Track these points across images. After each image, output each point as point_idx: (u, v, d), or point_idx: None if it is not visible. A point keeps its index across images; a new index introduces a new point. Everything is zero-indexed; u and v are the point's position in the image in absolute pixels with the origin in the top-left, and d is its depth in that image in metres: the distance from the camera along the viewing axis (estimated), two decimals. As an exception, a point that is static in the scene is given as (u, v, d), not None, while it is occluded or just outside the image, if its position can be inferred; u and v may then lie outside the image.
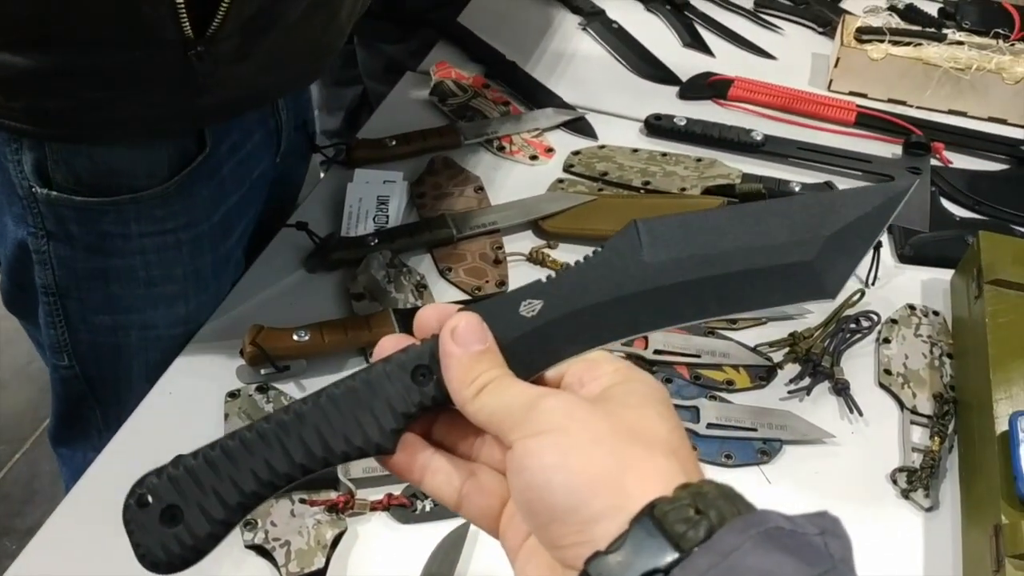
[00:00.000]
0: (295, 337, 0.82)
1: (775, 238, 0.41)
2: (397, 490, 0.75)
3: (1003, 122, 1.26)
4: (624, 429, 0.37)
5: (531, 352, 0.42)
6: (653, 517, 0.34)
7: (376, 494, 0.74)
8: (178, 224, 0.82)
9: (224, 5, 0.67)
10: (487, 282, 0.93)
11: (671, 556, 0.33)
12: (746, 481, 0.78)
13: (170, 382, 0.83)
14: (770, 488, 0.78)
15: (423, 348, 0.43)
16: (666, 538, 0.33)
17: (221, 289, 0.90)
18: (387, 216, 0.99)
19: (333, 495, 0.73)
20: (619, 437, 0.37)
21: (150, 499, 0.41)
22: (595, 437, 0.37)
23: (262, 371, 0.82)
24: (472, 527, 0.73)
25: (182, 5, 0.65)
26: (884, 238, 1.02)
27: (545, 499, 0.36)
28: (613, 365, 0.41)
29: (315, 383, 0.83)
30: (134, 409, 0.81)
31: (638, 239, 0.42)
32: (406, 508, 0.74)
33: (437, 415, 0.44)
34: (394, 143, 1.07)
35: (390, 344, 0.44)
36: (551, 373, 0.42)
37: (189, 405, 0.81)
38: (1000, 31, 1.29)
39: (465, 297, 0.92)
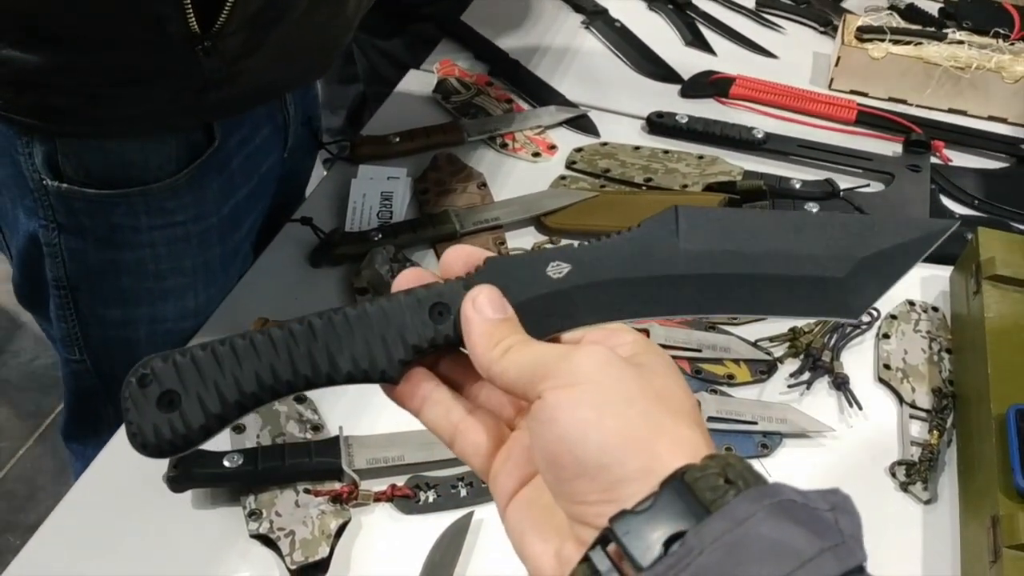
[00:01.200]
0: (300, 330, 0.82)
1: (811, 249, 0.41)
2: (401, 481, 0.75)
3: (1003, 121, 1.27)
4: (655, 393, 0.38)
5: (549, 312, 0.42)
6: (683, 482, 0.34)
7: (380, 485, 0.75)
8: (188, 217, 0.83)
9: (229, 1, 0.68)
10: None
11: (695, 522, 0.33)
12: (746, 474, 0.79)
13: (176, 374, 0.84)
14: (771, 480, 0.79)
15: (445, 287, 0.43)
16: (697, 503, 0.34)
17: (229, 282, 0.91)
18: (391, 212, 0.99)
19: (337, 486, 0.74)
20: (650, 400, 0.37)
21: (151, 381, 0.41)
22: (630, 396, 0.37)
23: (267, 364, 0.83)
24: (475, 518, 0.74)
25: (187, 1, 0.66)
26: (884, 235, 1.03)
27: (576, 454, 0.36)
28: (632, 335, 0.42)
29: (319, 376, 0.84)
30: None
31: (675, 224, 0.43)
32: (409, 499, 0.74)
33: (444, 354, 0.44)
34: (398, 140, 1.08)
35: (411, 276, 0.44)
36: (568, 336, 0.42)
37: (195, 397, 0.82)
38: (1000, 31, 1.30)
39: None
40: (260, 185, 0.91)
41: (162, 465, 0.72)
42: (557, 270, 0.43)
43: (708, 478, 0.34)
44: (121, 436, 0.79)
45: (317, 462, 0.74)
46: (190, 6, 0.66)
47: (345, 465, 0.74)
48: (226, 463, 0.73)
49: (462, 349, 0.43)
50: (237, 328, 0.82)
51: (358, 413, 0.81)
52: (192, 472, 0.72)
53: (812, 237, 0.42)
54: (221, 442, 0.76)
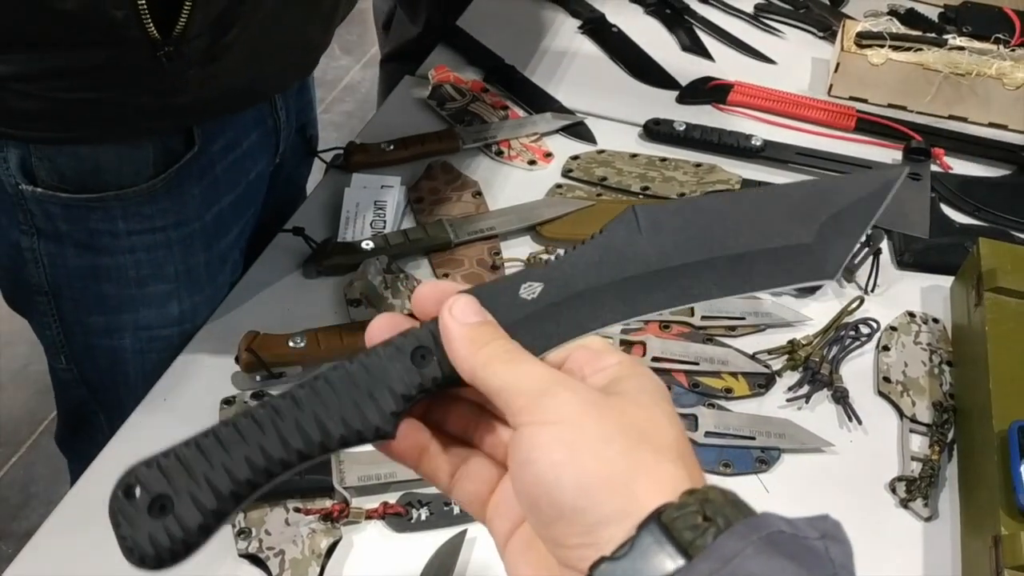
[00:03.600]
0: (290, 344, 0.81)
1: (774, 221, 0.42)
2: (393, 499, 0.74)
3: (1004, 128, 1.26)
4: (636, 429, 0.37)
5: (532, 335, 0.41)
6: (660, 523, 0.33)
7: (371, 502, 0.74)
8: (167, 222, 0.82)
9: (187, 5, 0.67)
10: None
11: (678, 563, 0.32)
12: (744, 490, 0.77)
13: (165, 389, 0.83)
14: (768, 497, 0.78)
15: (422, 330, 0.42)
16: (674, 545, 0.33)
17: (217, 290, 0.90)
18: (384, 221, 0.98)
19: (328, 503, 0.72)
20: (630, 438, 0.36)
21: (138, 489, 0.39)
22: (606, 435, 0.36)
23: (257, 378, 0.82)
24: (468, 536, 0.72)
25: (144, 7, 0.65)
26: (884, 244, 1.02)
27: (553, 496, 0.35)
28: (617, 357, 0.41)
29: (311, 390, 0.82)
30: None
31: (636, 223, 0.42)
32: (401, 517, 0.73)
33: (434, 401, 0.43)
34: (392, 148, 1.07)
35: (383, 324, 0.43)
36: (552, 357, 0.41)
37: (184, 412, 0.80)
38: (1001, 36, 1.29)
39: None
40: (248, 192, 0.90)
41: (150, 481, 0.71)
42: (530, 291, 0.42)
43: (686, 516, 0.33)
44: (110, 450, 0.78)
45: (308, 479, 0.73)
46: (147, 12, 0.65)
47: (336, 482, 0.73)
48: (215, 480, 0.71)
49: (451, 391, 0.42)
50: (229, 340, 0.83)
51: (350, 428, 0.80)
52: (180, 490, 0.71)
53: (773, 210, 0.42)
54: (210, 458, 0.75)
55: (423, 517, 0.73)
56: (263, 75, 0.82)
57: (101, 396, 0.96)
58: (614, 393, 0.39)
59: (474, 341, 0.40)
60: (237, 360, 0.81)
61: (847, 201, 0.42)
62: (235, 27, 0.72)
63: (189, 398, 0.81)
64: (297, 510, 0.72)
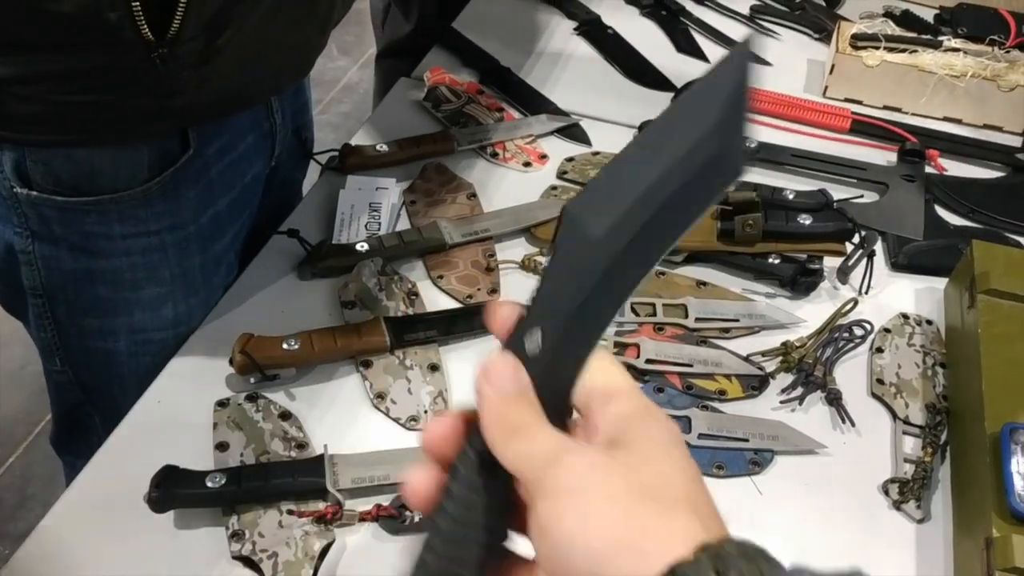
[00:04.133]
0: (285, 346, 0.81)
1: (678, 150, 0.41)
2: (386, 501, 0.74)
3: (999, 129, 1.26)
4: (642, 486, 0.36)
5: (551, 388, 0.40)
6: None
7: (365, 505, 0.74)
8: (162, 225, 0.82)
9: (181, 8, 0.67)
10: (479, 290, 0.93)
11: None
12: (737, 492, 0.78)
13: (159, 391, 0.83)
14: (761, 499, 0.78)
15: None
16: None
17: (212, 293, 0.90)
18: (379, 223, 0.98)
19: (321, 506, 0.72)
20: (637, 496, 0.36)
21: None
22: (612, 496, 0.36)
23: (251, 380, 0.82)
24: (461, 538, 0.72)
25: (138, 9, 0.65)
26: (878, 246, 1.02)
27: (567, 565, 0.35)
28: (627, 403, 0.40)
29: (305, 392, 0.83)
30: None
31: (575, 224, 0.42)
32: (395, 519, 0.73)
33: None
34: (387, 149, 1.07)
35: (442, 429, 0.41)
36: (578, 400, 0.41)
37: (178, 414, 0.81)
38: (996, 38, 1.29)
39: (456, 305, 0.92)
40: (244, 194, 0.90)
41: (145, 484, 0.71)
42: (533, 343, 0.41)
43: (699, 574, 0.33)
44: (104, 453, 0.78)
45: (301, 482, 0.73)
46: (141, 14, 0.65)
47: (329, 485, 0.73)
48: (208, 483, 0.71)
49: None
50: (223, 343, 0.83)
51: (343, 430, 0.80)
52: (174, 492, 0.71)
53: (671, 139, 0.41)
54: (204, 461, 0.75)
55: (416, 519, 0.73)
56: (258, 77, 0.82)
57: (96, 398, 0.96)
58: (622, 445, 0.38)
59: (503, 418, 0.39)
60: (231, 362, 0.81)
61: (722, 99, 0.40)
62: (229, 29, 0.72)
63: (183, 400, 0.81)
64: (290, 512, 0.72)
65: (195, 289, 0.88)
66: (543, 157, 1.11)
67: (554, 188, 1.06)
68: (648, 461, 0.37)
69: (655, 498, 0.36)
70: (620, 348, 0.88)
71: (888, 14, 1.40)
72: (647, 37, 1.36)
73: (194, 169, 0.82)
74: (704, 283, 0.96)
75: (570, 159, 1.11)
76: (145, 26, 0.66)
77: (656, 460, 0.38)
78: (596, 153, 1.12)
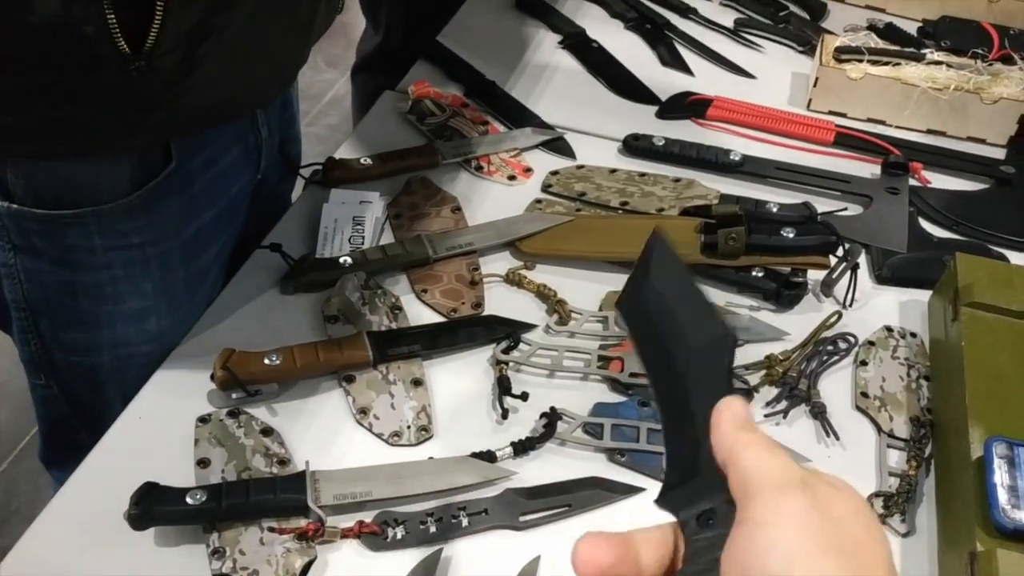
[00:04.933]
0: (266, 361, 0.81)
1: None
2: (368, 517, 0.74)
3: (982, 142, 1.27)
4: (853, 546, 0.36)
5: None
6: None
7: (347, 521, 0.73)
8: (144, 239, 0.82)
9: (157, 21, 0.66)
10: (463, 304, 0.93)
11: None
12: (722, 506, 0.77)
13: (141, 406, 0.82)
14: None
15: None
16: None
17: (196, 307, 0.90)
18: (363, 237, 0.98)
19: (303, 522, 0.72)
20: (848, 555, 0.35)
21: None
22: (824, 548, 0.35)
23: (233, 395, 0.81)
24: (444, 555, 0.72)
25: (114, 22, 0.65)
26: (862, 259, 1.02)
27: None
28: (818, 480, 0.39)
29: (287, 407, 0.82)
30: (111, 432, 0.80)
31: None
32: (377, 535, 0.73)
33: None
34: (371, 163, 1.06)
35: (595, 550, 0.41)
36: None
37: (159, 430, 0.80)
38: (978, 51, 1.30)
39: (440, 319, 0.91)
40: (229, 208, 0.90)
41: (126, 501, 0.70)
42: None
43: None
44: (84, 470, 0.78)
45: (282, 498, 0.72)
46: (116, 27, 0.65)
47: (311, 501, 0.72)
48: (189, 500, 0.71)
49: None
50: (205, 358, 0.82)
51: (326, 446, 0.79)
52: (154, 510, 0.70)
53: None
54: (185, 478, 0.75)
55: (399, 536, 0.73)
56: (239, 89, 0.81)
57: (81, 412, 0.95)
58: (830, 514, 0.37)
59: (743, 426, 0.40)
60: (213, 378, 0.80)
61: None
62: (208, 41, 0.72)
63: (164, 416, 0.81)
64: (271, 529, 0.71)
65: (179, 303, 0.87)
66: (528, 170, 1.11)
67: (539, 201, 1.06)
68: (854, 526, 0.37)
69: (862, 562, 0.36)
70: (604, 362, 0.87)
71: (872, 27, 1.41)
72: (632, 51, 1.36)
73: (177, 182, 0.81)
74: (688, 296, 0.96)
75: (555, 172, 1.11)
76: (122, 40, 0.66)
77: (860, 527, 0.37)
78: (581, 166, 1.12)
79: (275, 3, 0.78)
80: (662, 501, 0.43)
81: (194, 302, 0.90)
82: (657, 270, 0.47)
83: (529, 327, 0.91)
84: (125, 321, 0.85)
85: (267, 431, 0.79)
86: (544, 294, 0.94)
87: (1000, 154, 1.25)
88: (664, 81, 1.30)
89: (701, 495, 0.41)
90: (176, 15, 0.67)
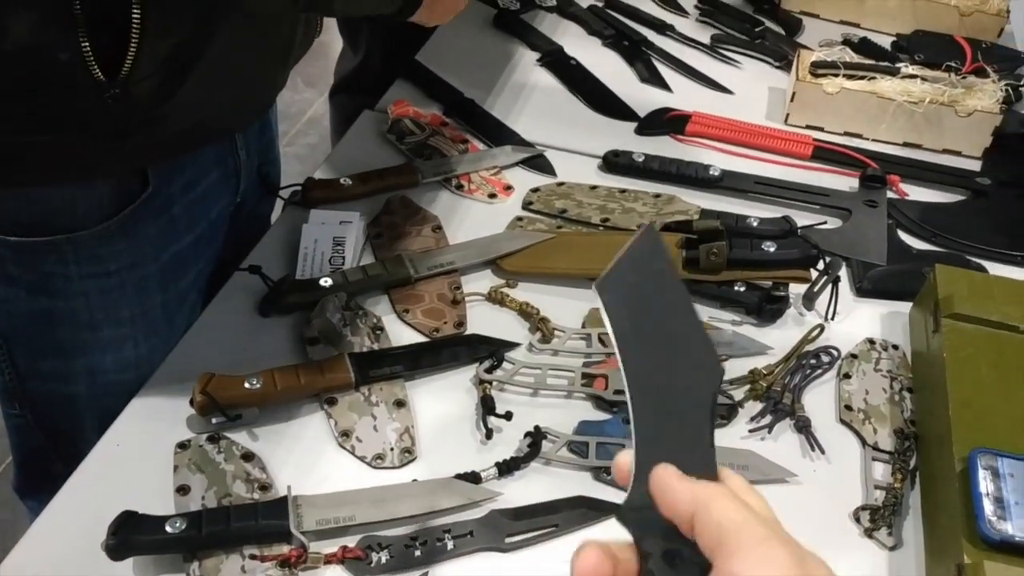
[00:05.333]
0: (246, 385, 0.80)
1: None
2: (352, 542, 0.73)
3: (957, 154, 1.28)
4: None
5: None
6: None
7: (330, 547, 0.72)
8: (121, 265, 0.81)
9: (133, 48, 0.66)
10: (445, 323, 0.92)
11: None
12: (708, 523, 0.77)
13: (119, 433, 0.81)
14: None
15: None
16: None
17: (174, 332, 0.89)
18: (343, 257, 0.97)
19: (285, 549, 0.71)
20: None
21: None
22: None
23: (213, 420, 0.80)
24: (429, 578, 0.71)
25: (88, 50, 0.64)
26: (843, 272, 1.02)
27: None
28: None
29: (268, 431, 0.81)
30: (89, 461, 0.79)
31: None
32: (361, 561, 0.72)
33: None
34: (350, 183, 1.06)
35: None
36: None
37: (138, 457, 0.79)
38: (952, 64, 1.31)
39: (422, 339, 0.91)
40: (208, 232, 0.89)
41: (104, 530, 0.69)
42: None
43: None
44: (61, 499, 0.76)
45: (264, 524, 0.71)
46: (91, 55, 0.65)
47: (293, 527, 0.71)
48: (168, 528, 0.69)
49: None
50: (184, 383, 0.81)
51: (308, 470, 0.78)
52: (132, 539, 0.69)
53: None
54: (165, 505, 0.74)
55: (383, 560, 0.72)
56: (217, 114, 0.81)
57: (58, 442, 0.94)
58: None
59: (695, 483, 0.40)
60: (192, 402, 0.79)
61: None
62: (185, 68, 0.71)
63: (143, 443, 0.79)
64: (253, 557, 0.70)
65: (157, 329, 0.86)
66: (508, 188, 1.11)
67: (520, 219, 1.06)
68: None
69: None
70: (588, 379, 0.87)
71: (847, 42, 1.43)
72: (610, 68, 1.37)
73: (155, 207, 0.80)
74: (671, 312, 0.96)
75: (535, 190, 1.10)
76: (96, 67, 0.65)
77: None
78: (561, 184, 1.12)
79: (253, 29, 0.78)
80: (625, 519, 0.42)
81: (172, 327, 0.89)
82: (644, 264, 0.47)
83: (512, 345, 0.90)
84: (102, 348, 0.84)
85: (248, 456, 0.78)
86: (527, 312, 0.94)
87: (976, 166, 1.26)
88: (643, 97, 1.30)
89: (668, 531, 0.41)
90: (152, 43, 0.67)
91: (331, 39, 1.84)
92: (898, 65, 1.31)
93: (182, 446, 0.78)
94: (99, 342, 0.84)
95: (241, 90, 0.82)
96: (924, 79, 1.28)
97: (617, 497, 0.78)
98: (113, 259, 0.80)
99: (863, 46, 1.42)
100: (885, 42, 1.46)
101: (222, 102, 0.80)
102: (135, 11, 0.65)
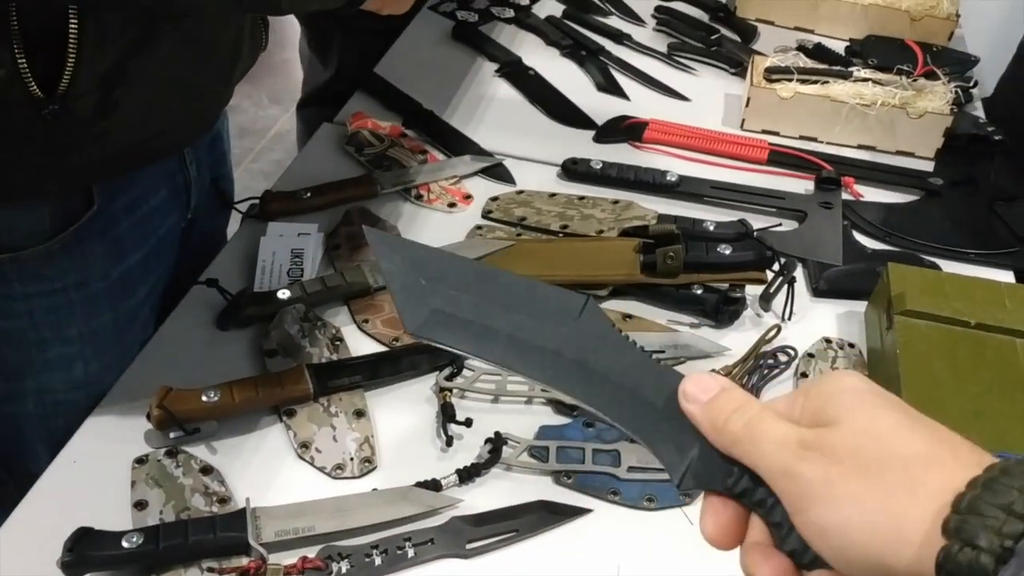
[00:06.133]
0: (204, 398, 0.79)
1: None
2: (312, 552, 0.72)
3: (911, 155, 1.30)
4: (874, 465, 0.37)
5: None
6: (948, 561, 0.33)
7: (290, 558, 0.72)
8: (67, 283, 0.80)
9: (70, 64, 0.65)
10: (405, 332, 0.92)
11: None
12: (668, 523, 0.78)
13: (74, 450, 0.80)
14: (693, 529, 0.78)
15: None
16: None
17: (126, 350, 0.88)
18: (302, 269, 0.97)
19: (244, 561, 0.70)
20: (880, 486, 0.36)
21: None
22: (859, 495, 0.36)
23: (171, 435, 0.79)
24: (390, 587, 0.71)
25: (25, 67, 0.64)
26: (799, 272, 1.04)
27: (855, 572, 0.37)
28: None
29: (227, 444, 0.81)
30: (39, 481, 0.78)
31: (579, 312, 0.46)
32: (321, 571, 0.71)
33: None
34: (309, 195, 1.06)
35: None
36: None
37: (95, 474, 0.78)
38: (904, 68, 1.33)
39: (383, 349, 0.91)
40: (158, 249, 0.88)
41: (60, 548, 0.68)
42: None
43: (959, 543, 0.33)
44: (16, 519, 0.75)
45: (222, 537, 0.71)
46: (28, 71, 0.64)
47: (252, 539, 0.70)
48: (125, 543, 0.69)
49: None
50: (141, 398, 0.80)
51: (268, 482, 0.78)
52: (88, 556, 0.68)
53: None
54: (123, 521, 0.73)
55: (344, 570, 0.71)
56: (161, 131, 0.80)
57: (9, 463, 0.92)
58: (830, 422, 0.39)
59: (714, 424, 0.41)
60: (149, 417, 0.79)
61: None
62: (125, 84, 0.71)
63: (100, 459, 0.79)
64: (212, 570, 0.70)
65: (107, 347, 0.85)
66: (468, 197, 1.12)
67: (479, 228, 1.07)
68: (870, 438, 0.38)
69: (892, 473, 0.37)
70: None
71: (801, 47, 1.45)
72: (568, 77, 1.38)
73: (100, 225, 0.80)
74: (629, 316, 0.96)
75: (495, 198, 1.11)
76: (33, 84, 0.65)
77: (867, 425, 0.39)
78: (520, 192, 1.13)
79: (194, 45, 0.77)
80: (691, 483, 0.43)
81: (123, 345, 0.88)
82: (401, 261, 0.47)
83: (472, 353, 0.90)
84: (50, 368, 0.83)
85: (207, 470, 0.78)
86: (486, 320, 0.94)
87: (928, 166, 1.28)
88: (600, 106, 1.31)
89: (721, 470, 0.42)
90: (89, 59, 0.66)
91: (293, 55, 1.84)
92: (851, 69, 1.33)
93: (140, 461, 0.78)
94: (47, 361, 0.83)
95: (185, 106, 0.82)
96: (876, 82, 1.30)
97: (576, 500, 0.79)
98: (59, 278, 0.79)
99: (817, 52, 1.44)
100: (839, 47, 1.48)
101: (165, 118, 0.79)
102: (72, 25, 0.64)
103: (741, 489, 0.41)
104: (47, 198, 0.75)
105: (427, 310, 0.46)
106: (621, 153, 1.22)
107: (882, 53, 1.43)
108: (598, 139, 1.24)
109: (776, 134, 1.30)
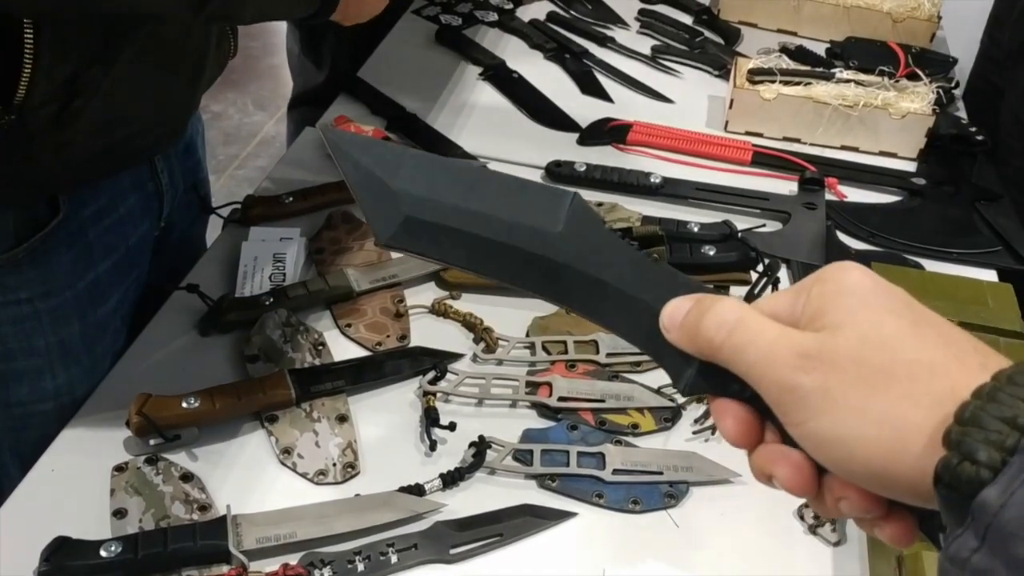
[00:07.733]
0: (184, 404, 0.78)
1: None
2: (294, 560, 0.72)
3: (893, 156, 1.30)
4: (878, 374, 0.36)
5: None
6: (947, 469, 0.33)
7: (272, 565, 0.71)
8: (34, 293, 0.79)
9: (26, 74, 0.64)
10: (388, 336, 0.92)
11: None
12: (654, 526, 0.77)
13: (53, 458, 0.79)
14: (678, 532, 0.77)
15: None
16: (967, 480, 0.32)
17: (97, 360, 0.86)
18: (284, 274, 0.96)
19: (225, 569, 0.69)
20: (883, 397, 0.36)
21: None
22: (861, 407, 0.36)
23: (151, 442, 0.79)
24: (373, 593, 0.70)
25: None
26: (782, 273, 1.03)
27: (857, 481, 0.37)
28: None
29: (208, 451, 0.80)
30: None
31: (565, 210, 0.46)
32: (303, 578, 0.71)
33: None
34: (291, 199, 1.05)
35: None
36: None
37: (74, 482, 0.77)
38: (885, 69, 1.34)
39: (366, 353, 0.90)
40: (129, 257, 0.87)
41: (36, 559, 0.68)
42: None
43: (965, 450, 0.33)
44: (-4, 527, 0.74)
45: (202, 545, 0.70)
46: None
47: (232, 547, 0.70)
48: (103, 553, 0.68)
49: None
50: (121, 405, 0.79)
51: (249, 489, 0.77)
52: (66, 565, 0.68)
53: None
54: (102, 530, 0.72)
55: (326, 576, 0.71)
56: (124, 139, 0.79)
57: None
58: (831, 327, 0.38)
59: (694, 342, 0.42)
60: (128, 424, 0.78)
61: None
62: (85, 93, 0.70)
63: (79, 467, 0.78)
64: (192, 578, 0.69)
65: (76, 358, 0.84)
66: (451, 201, 1.11)
67: (463, 231, 1.06)
68: (868, 345, 0.38)
69: (896, 381, 0.36)
70: (532, 387, 0.87)
71: (784, 49, 1.45)
72: (552, 80, 1.38)
73: (67, 233, 0.79)
74: (614, 318, 0.96)
75: (478, 202, 1.10)
76: None
77: (869, 331, 0.38)
78: (504, 195, 1.12)
79: (156, 54, 0.76)
80: (693, 389, 0.43)
81: (93, 356, 0.87)
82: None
83: (456, 357, 0.90)
84: (17, 380, 0.82)
85: (187, 477, 0.77)
86: (470, 323, 0.93)
87: (911, 167, 1.28)
88: (584, 108, 1.31)
89: (726, 376, 0.41)
90: (47, 69, 0.65)
91: (281, 62, 1.83)
92: (833, 70, 1.33)
93: (119, 469, 0.77)
94: (14, 373, 0.81)
95: (149, 114, 0.80)
96: (859, 83, 1.30)
97: (561, 504, 0.78)
98: (24, 288, 0.78)
99: (799, 54, 1.45)
100: (821, 49, 1.48)
101: (129, 127, 0.78)
102: (27, 35, 0.63)
103: (749, 394, 0.41)
104: (9, 207, 0.74)
105: (399, 218, 0.43)
106: (605, 155, 1.22)
107: (864, 55, 1.43)
108: (582, 142, 1.24)
109: (759, 135, 1.30)
